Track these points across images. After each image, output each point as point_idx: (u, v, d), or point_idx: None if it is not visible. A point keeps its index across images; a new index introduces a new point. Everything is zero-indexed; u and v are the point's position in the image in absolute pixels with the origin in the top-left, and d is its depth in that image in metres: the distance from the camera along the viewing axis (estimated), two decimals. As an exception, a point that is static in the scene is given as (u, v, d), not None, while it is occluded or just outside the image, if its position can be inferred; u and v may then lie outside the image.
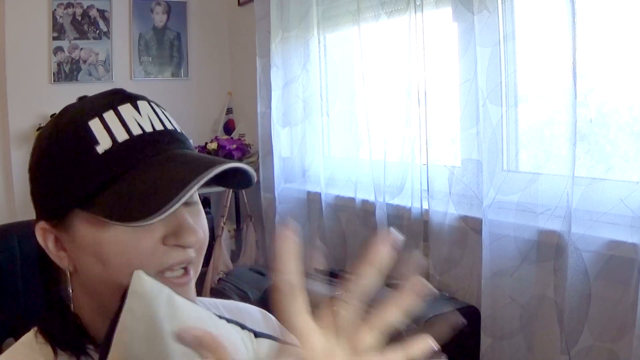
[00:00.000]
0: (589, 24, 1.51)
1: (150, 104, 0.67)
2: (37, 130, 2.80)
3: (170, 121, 0.69)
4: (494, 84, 1.72)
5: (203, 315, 0.64)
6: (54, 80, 2.97)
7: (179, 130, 0.69)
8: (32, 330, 0.66)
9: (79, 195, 0.62)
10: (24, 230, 1.26)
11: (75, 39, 3.01)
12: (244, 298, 2.38)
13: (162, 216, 0.58)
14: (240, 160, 2.91)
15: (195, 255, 0.66)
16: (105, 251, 0.62)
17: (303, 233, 2.68)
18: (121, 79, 3.11)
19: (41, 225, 0.66)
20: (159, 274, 0.63)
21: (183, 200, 0.58)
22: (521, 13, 1.72)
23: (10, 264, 1.22)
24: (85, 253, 0.63)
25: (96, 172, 0.62)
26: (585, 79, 1.51)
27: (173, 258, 0.64)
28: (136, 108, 0.66)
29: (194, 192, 0.61)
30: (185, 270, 0.65)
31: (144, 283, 0.57)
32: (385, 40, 2.13)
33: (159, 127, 0.66)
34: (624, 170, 1.55)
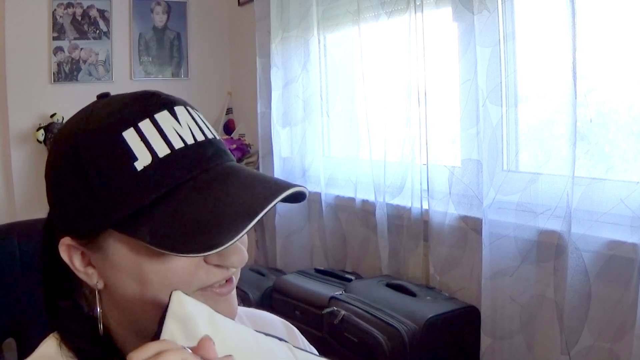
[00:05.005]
0: (589, 24, 1.51)
1: (187, 109, 0.62)
2: (37, 130, 2.80)
3: (208, 127, 0.63)
4: (494, 84, 1.72)
5: (244, 332, 0.61)
6: (54, 80, 2.97)
7: (217, 138, 0.63)
8: (51, 338, 0.63)
9: (116, 218, 0.56)
10: (24, 230, 1.26)
11: (75, 39, 3.00)
12: (244, 298, 2.38)
13: (224, 248, 0.54)
14: (240, 160, 2.91)
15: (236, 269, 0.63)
16: (145, 272, 0.57)
17: (303, 233, 2.68)
18: (121, 79, 3.11)
19: (66, 242, 0.60)
20: (200, 290, 0.60)
21: (246, 231, 0.55)
22: (521, 13, 1.72)
23: (10, 264, 1.22)
24: (121, 272, 0.59)
25: (135, 192, 0.56)
26: (585, 79, 1.51)
27: (216, 276, 0.60)
28: (174, 116, 0.60)
29: None
30: (228, 279, 0.63)
31: (183, 304, 0.54)
32: (385, 40, 2.12)
33: (200, 137, 0.60)
34: (624, 170, 1.55)
